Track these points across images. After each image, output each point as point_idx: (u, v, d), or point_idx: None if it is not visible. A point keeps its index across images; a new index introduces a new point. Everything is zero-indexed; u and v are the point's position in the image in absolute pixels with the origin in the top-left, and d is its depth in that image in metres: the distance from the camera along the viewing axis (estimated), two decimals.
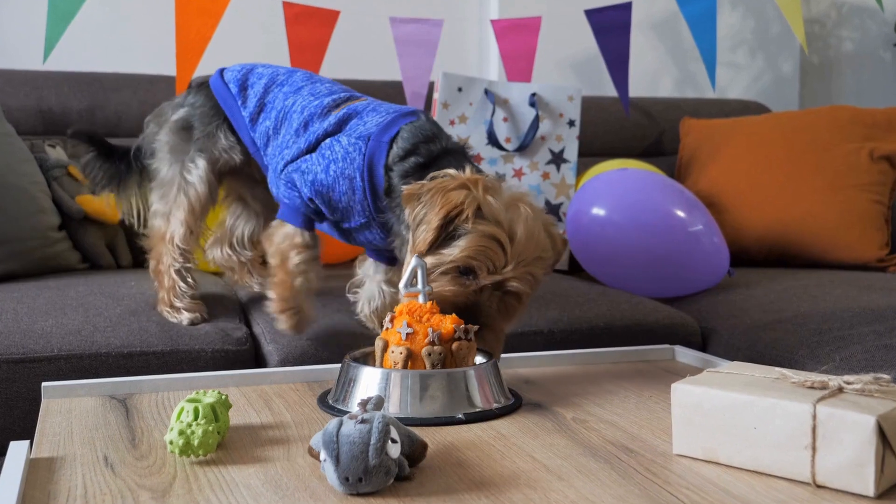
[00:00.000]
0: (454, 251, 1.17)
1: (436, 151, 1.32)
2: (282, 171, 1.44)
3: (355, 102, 1.44)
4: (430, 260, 1.18)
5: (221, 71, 1.58)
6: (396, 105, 1.43)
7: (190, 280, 1.55)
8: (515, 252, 1.17)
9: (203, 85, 1.58)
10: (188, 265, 1.55)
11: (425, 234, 1.18)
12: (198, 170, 1.52)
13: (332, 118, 1.41)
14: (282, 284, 1.40)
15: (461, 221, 1.17)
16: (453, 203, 1.17)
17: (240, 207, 1.71)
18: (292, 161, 1.41)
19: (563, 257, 1.29)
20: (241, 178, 1.64)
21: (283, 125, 1.46)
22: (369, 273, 1.55)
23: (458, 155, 1.33)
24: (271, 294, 1.41)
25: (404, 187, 1.24)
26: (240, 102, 1.51)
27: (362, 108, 1.41)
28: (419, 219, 1.21)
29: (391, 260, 1.52)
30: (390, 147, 1.33)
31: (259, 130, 1.50)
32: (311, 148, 1.40)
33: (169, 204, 1.53)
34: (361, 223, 1.39)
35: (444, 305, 1.16)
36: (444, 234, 1.18)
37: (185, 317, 1.51)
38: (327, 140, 1.39)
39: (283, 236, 1.40)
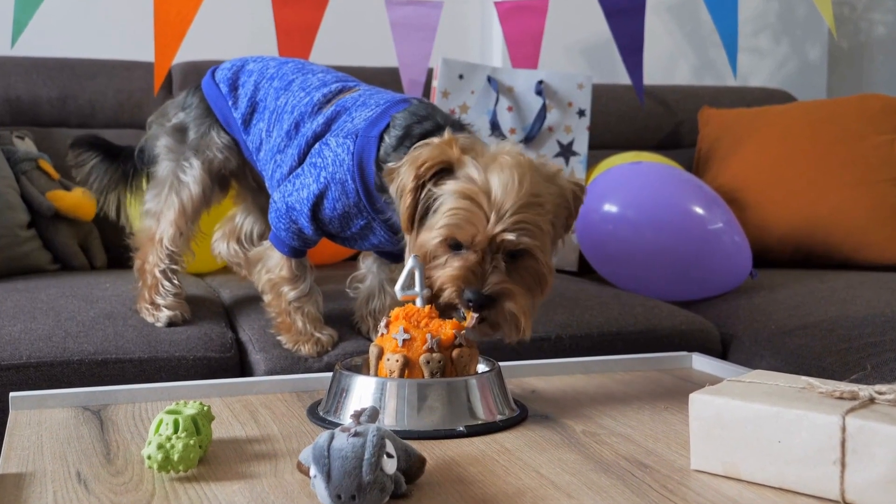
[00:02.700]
0: (434, 222, 1.16)
1: (429, 129, 1.32)
2: (277, 187, 1.46)
3: (346, 95, 1.45)
4: (418, 244, 1.18)
5: (213, 71, 1.60)
6: (390, 94, 1.44)
7: (175, 281, 1.56)
8: (495, 203, 1.14)
9: (199, 87, 1.61)
10: (174, 267, 1.57)
11: (403, 204, 1.19)
12: (192, 170, 1.55)
13: (321, 118, 1.42)
14: (284, 325, 1.47)
15: (426, 176, 1.16)
16: (420, 160, 1.17)
17: (248, 205, 1.73)
18: (288, 175, 1.43)
19: (580, 202, 1.25)
20: (242, 182, 1.67)
21: (275, 127, 1.48)
22: (373, 269, 1.56)
23: (452, 129, 1.31)
24: (279, 336, 1.48)
25: (387, 165, 1.26)
26: (230, 103, 1.54)
27: (352, 104, 1.42)
28: (399, 193, 1.21)
29: (396, 257, 1.53)
30: (381, 140, 1.34)
31: (253, 132, 1.52)
32: (302, 156, 1.42)
33: (161, 204, 1.57)
34: (362, 225, 1.39)
35: (453, 290, 1.14)
36: (423, 205, 1.18)
37: (163, 314, 1.52)
38: (316, 145, 1.41)
39: (275, 264, 1.45)
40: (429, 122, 1.33)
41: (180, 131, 1.58)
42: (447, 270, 1.15)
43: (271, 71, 1.55)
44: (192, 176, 1.55)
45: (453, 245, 1.16)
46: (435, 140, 1.22)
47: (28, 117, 2.22)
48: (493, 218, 1.13)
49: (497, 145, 1.22)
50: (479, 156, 1.19)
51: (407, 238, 1.23)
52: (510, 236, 1.13)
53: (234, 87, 1.55)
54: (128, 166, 1.69)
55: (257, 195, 1.68)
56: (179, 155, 1.57)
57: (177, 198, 1.55)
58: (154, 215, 1.57)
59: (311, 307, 1.47)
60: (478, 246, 1.14)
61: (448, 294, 1.15)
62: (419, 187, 1.18)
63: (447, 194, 1.16)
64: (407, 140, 1.32)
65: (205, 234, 1.67)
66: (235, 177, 1.64)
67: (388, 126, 1.34)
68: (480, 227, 1.14)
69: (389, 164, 1.26)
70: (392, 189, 1.24)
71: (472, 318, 1.14)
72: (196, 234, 1.61)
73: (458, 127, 1.34)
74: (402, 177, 1.21)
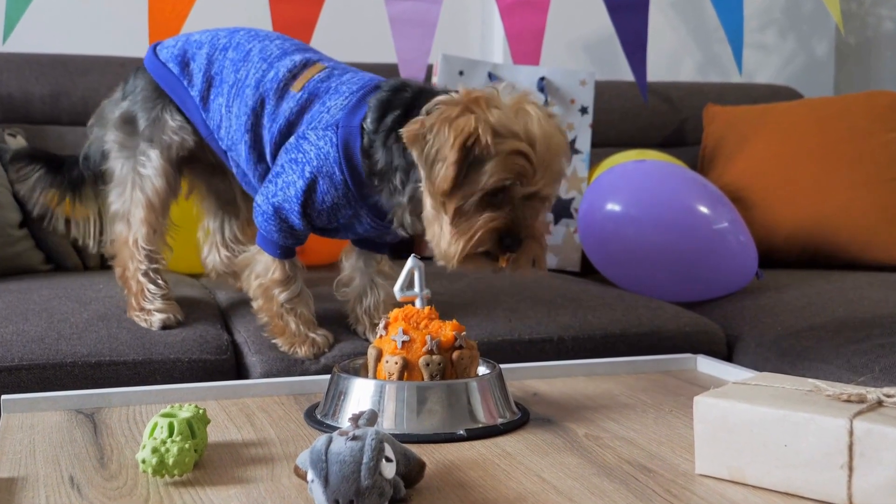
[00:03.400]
0: (483, 178, 1.22)
1: (409, 97, 1.35)
2: (256, 172, 1.47)
3: (315, 74, 1.44)
4: (458, 195, 1.23)
5: (154, 48, 1.57)
6: (360, 76, 1.45)
7: (160, 282, 1.55)
8: (541, 160, 1.23)
9: (140, 69, 1.58)
10: (155, 266, 1.55)
11: (445, 172, 1.22)
12: (151, 162, 1.53)
13: (293, 102, 1.42)
14: (277, 328, 1.47)
15: (482, 148, 1.21)
16: (467, 132, 1.21)
17: (213, 203, 1.72)
18: (267, 177, 1.43)
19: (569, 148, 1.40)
20: (198, 169, 1.65)
21: (235, 102, 1.47)
22: (359, 266, 1.55)
23: (436, 92, 1.35)
24: (274, 340, 1.48)
25: (402, 130, 1.27)
26: (186, 83, 1.52)
27: (324, 90, 1.42)
28: (432, 157, 1.24)
29: (379, 246, 1.53)
30: (362, 128, 1.36)
31: (212, 109, 1.50)
32: (276, 143, 1.42)
33: (127, 203, 1.54)
34: (349, 215, 1.41)
35: (489, 237, 1.22)
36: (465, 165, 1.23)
37: (156, 318, 1.51)
38: (292, 139, 1.41)
39: (265, 268, 1.45)
40: (406, 91, 1.36)
41: (128, 122, 1.55)
42: (487, 222, 1.23)
43: (223, 41, 1.52)
44: (153, 168, 1.53)
45: (492, 192, 1.23)
46: (457, 98, 1.25)
47: (20, 115, 2.21)
48: (539, 172, 1.23)
49: (507, 92, 1.27)
50: (503, 107, 1.24)
51: (436, 204, 1.25)
52: (550, 189, 1.26)
53: (184, 64, 1.52)
54: (74, 175, 1.65)
55: (212, 176, 1.67)
56: (134, 149, 1.54)
57: (141, 194, 1.53)
58: (123, 218, 1.55)
59: (304, 308, 1.47)
60: (520, 194, 1.23)
61: (491, 245, 1.23)
62: (465, 156, 1.22)
63: (497, 151, 1.21)
64: (389, 113, 1.34)
65: (177, 227, 1.65)
66: (192, 161, 1.61)
67: (365, 115, 1.36)
68: (528, 178, 1.22)
69: (406, 128, 1.26)
70: (417, 156, 1.25)
71: (507, 260, 1.24)
72: (169, 228, 1.60)
73: (437, 91, 1.37)
74: (436, 145, 1.23)
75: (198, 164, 1.64)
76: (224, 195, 1.70)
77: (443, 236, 1.25)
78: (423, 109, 1.27)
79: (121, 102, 1.57)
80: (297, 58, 1.47)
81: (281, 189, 1.39)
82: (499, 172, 1.21)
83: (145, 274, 1.54)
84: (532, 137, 1.22)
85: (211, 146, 1.55)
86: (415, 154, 1.26)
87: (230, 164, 1.54)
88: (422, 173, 1.26)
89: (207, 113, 1.51)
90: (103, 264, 2.07)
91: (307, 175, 1.37)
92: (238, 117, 1.46)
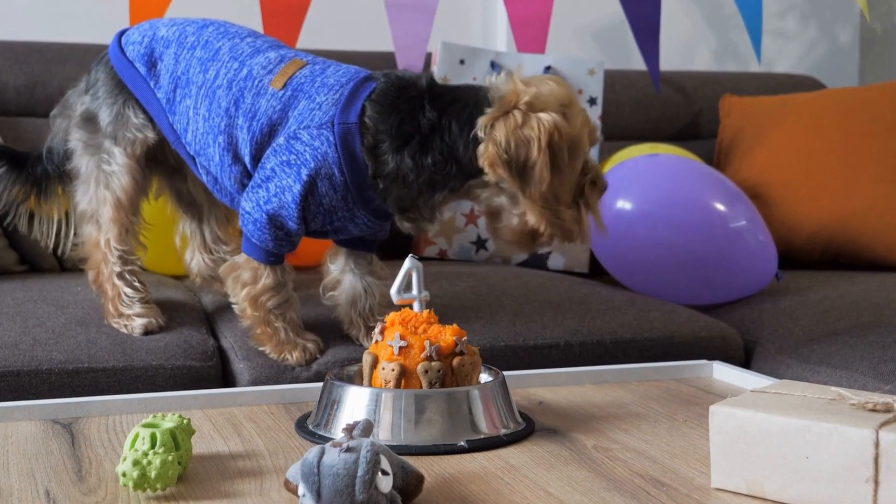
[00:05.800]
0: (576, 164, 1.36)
1: (414, 94, 1.37)
2: (234, 181, 1.47)
3: (296, 70, 1.44)
4: (549, 189, 1.32)
5: (120, 39, 1.56)
6: (343, 68, 1.45)
7: (137, 284, 1.55)
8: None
9: (104, 57, 1.58)
10: (130, 268, 1.55)
11: (541, 175, 1.30)
12: (115, 158, 1.53)
13: (275, 100, 1.42)
14: (265, 335, 1.47)
15: (565, 139, 1.32)
16: (547, 131, 1.30)
17: (178, 206, 1.72)
18: (252, 182, 1.43)
19: None
20: (158, 170, 1.65)
21: (203, 104, 1.46)
22: (348, 267, 1.55)
23: (429, 83, 1.39)
24: (262, 348, 1.48)
25: (483, 159, 1.31)
26: (153, 84, 1.51)
27: (309, 85, 1.42)
28: (521, 168, 1.30)
29: (369, 245, 1.53)
30: (362, 124, 1.36)
31: (179, 112, 1.49)
32: (258, 144, 1.42)
33: (94, 202, 1.54)
34: (345, 217, 1.41)
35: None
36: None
37: (137, 323, 1.51)
38: (282, 141, 1.40)
39: (253, 275, 1.44)
40: (410, 89, 1.38)
41: (90, 120, 1.55)
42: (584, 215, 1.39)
43: (191, 39, 1.52)
44: (118, 166, 1.53)
45: None
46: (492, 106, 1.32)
47: None
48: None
49: (537, 83, 1.34)
50: (536, 100, 1.32)
51: (542, 203, 1.33)
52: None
53: (152, 64, 1.52)
54: (38, 171, 1.65)
55: (172, 179, 1.67)
56: (98, 147, 1.54)
57: (108, 191, 1.53)
58: (91, 218, 1.55)
59: (293, 314, 1.47)
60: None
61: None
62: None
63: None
64: (395, 114, 1.35)
65: (150, 226, 1.65)
66: (157, 163, 1.62)
67: (363, 112, 1.36)
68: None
69: (486, 154, 1.31)
70: (506, 174, 1.30)
71: None
72: (143, 227, 1.60)
73: (432, 80, 1.40)
74: (520, 155, 1.29)
75: (158, 166, 1.64)
76: (186, 198, 1.70)
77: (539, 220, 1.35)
78: (479, 125, 1.31)
79: (83, 96, 1.57)
80: (272, 55, 1.47)
81: (275, 195, 1.38)
82: (584, 153, 1.35)
83: (120, 276, 1.54)
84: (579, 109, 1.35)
85: (178, 152, 1.55)
86: (497, 175, 1.32)
87: (198, 172, 1.53)
88: (514, 188, 1.33)
89: (174, 116, 1.50)
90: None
91: (304, 177, 1.36)
92: (208, 119, 1.45)
